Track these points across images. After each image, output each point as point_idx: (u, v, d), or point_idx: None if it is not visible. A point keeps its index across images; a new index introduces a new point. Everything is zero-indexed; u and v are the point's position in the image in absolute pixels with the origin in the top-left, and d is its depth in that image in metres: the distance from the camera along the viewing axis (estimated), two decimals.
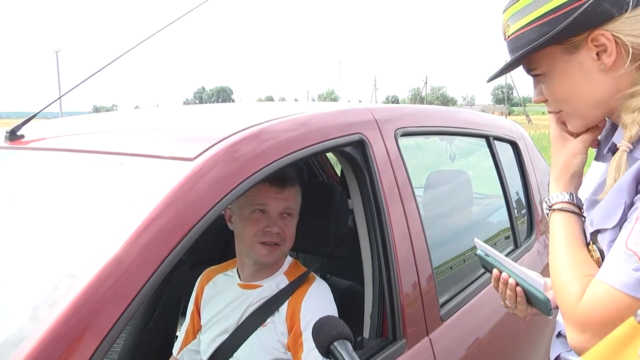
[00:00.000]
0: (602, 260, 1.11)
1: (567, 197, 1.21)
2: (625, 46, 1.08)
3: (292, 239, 1.89)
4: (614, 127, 1.18)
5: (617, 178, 1.08)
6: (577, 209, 1.21)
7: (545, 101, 1.22)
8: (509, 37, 1.19)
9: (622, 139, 1.10)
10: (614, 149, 1.12)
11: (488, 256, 1.43)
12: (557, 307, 1.34)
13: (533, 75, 1.21)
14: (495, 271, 1.40)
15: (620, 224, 1.06)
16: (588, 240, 1.16)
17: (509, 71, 1.24)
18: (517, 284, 1.35)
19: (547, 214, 1.24)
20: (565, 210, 1.20)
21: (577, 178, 1.25)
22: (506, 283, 1.37)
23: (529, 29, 1.14)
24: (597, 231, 1.12)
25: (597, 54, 1.10)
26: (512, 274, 1.37)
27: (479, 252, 1.47)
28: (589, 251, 1.16)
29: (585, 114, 1.18)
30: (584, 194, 1.24)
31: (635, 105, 1.09)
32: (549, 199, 1.24)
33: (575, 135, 1.24)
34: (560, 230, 1.19)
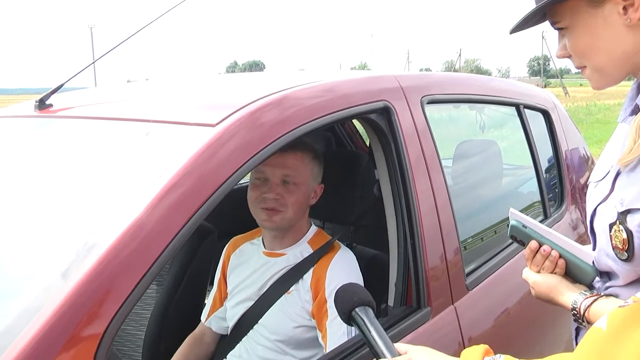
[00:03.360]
0: (629, 242, 1.06)
1: (587, 292, 1.22)
2: None
3: (298, 207, 1.85)
4: None
5: (636, 140, 1.04)
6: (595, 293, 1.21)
7: (569, 56, 1.17)
8: None
9: None
10: (637, 110, 1.08)
11: (526, 227, 1.35)
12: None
13: (557, 29, 1.17)
14: (533, 242, 1.32)
15: None
16: (615, 220, 1.10)
17: (533, 24, 1.20)
18: (560, 256, 1.29)
19: (581, 317, 1.20)
20: (597, 297, 1.19)
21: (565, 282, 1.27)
22: (547, 255, 1.30)
23: None
24: (627, 211, 1.07)
25: (624, 7, 1.06)
26: (555, 245, 1.30)
27: (514, 222, 1.38)
28: (615, 231, 1.10)
29: (608, 70, 1.14)
30: (609, 161, 1.19)
31: None
32: (575, 302, 1.22)
33: None
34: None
